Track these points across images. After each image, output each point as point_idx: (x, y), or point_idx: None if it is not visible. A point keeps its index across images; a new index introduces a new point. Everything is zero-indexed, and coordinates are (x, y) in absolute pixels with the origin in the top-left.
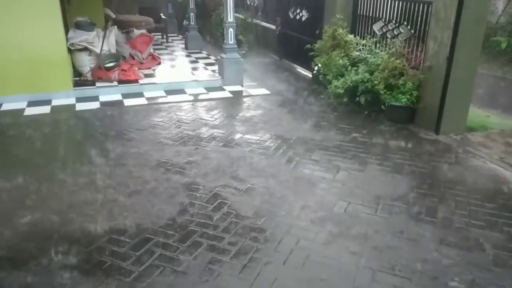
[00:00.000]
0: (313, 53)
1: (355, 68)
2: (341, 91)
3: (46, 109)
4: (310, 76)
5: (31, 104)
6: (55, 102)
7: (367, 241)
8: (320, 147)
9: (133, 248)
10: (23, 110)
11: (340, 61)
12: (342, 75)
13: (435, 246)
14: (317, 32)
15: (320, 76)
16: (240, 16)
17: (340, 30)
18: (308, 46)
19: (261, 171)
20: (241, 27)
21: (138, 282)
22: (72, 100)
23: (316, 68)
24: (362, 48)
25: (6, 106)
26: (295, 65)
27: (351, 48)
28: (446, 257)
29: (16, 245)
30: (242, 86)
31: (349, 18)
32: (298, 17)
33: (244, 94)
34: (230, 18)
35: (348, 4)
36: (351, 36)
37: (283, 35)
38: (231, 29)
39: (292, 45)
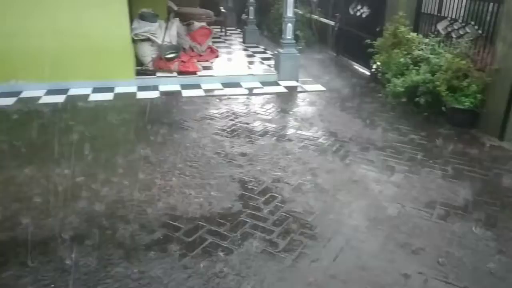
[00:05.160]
0: (372, 50)
1: (417, 67)
2: (401, 89)
3: (109, 96)
4: (368, 74)
5: (95, 90)
6: (117, 90)
7: (420, 247)
8: (375, 147)
9: (185, 233)
10: (88, 95)
11: (401, 59)
12: (402, 74)
13: (493, 256)
14: (377, 29)
15: (379, 74)
16: (299, 11)
17: (402, 28)
18: (368, 41)
19: (313, 168)
20: (299, 22)
21: (187, 268)
22: (133, 89)
23: (374, 66)
24: (425, 47)
25: (73, 91)
26: (353, 62)
27: (413, 47)
28: (505, 269)
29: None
30: (297, 81)
31: (412, 16)
32: (358, 13)
33: (299, 89)
34: (290, 13)
35: (411, 2)
36: (414, 34)
37: (341, 31)
38: (289, 24)
39: (351, 42)
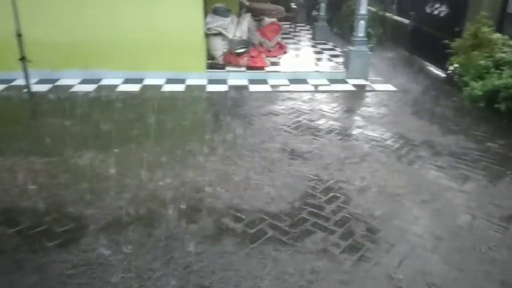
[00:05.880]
0: (449, 51)
1: (498, 71)
2: (479, 93)
3: (181, 87)
4: (443, 75)
5: (168, 81)
6: (189, 82)
7: (493, 264)
8: (447, 153)
9: (247, 225)
10: (161, 86)
11: (481, 62)
12: (482, 78)
13: None
14: (456, 29)
15: (455, 76)
16: (372, 8)
17: (485, 29)
18: (446, 42)
19: (379, 170)
20: (372, 20)
21: (250, 257)
22: (203, 81)
23: (451, 67)
24: (509, 50)
25: (148, 81)
26: (427, 63)
27: (496, 49)
28: None
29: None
30: (366, 80)
31: (495, 17)
32: (436, 12)
33: (367, 88)
34: (363, 10)
35: (496, 1)
36: (498, 35)
37: (416, 30)
38: (362, 21)
39: (425, 41)
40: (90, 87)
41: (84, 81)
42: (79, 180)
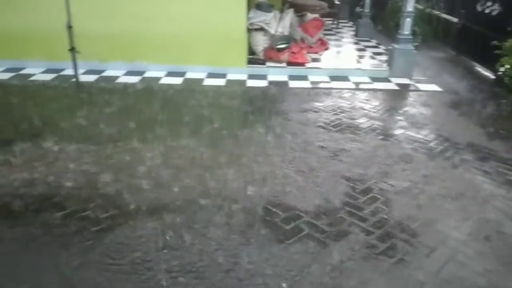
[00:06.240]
0: (500, 52)
1: None
2: None
3: (221, 82)
4: (492, 77)
5: (209, 75)
6: (229, 76)
7: None
8: (494, 157)
9: (284, 221)
10: (202, 80)
11: None
12: None
13: None
14: (508, 29)
15: (506, 78)
16: (419, 6)
17: None
18: (495, 42)
19: (421, 172)
20: (418, 17)
21: (284, 251)
22: (244, 76)
23: (501, 69)
24: None
25: (189, 75)
26: (475, 63)
27: None
28: None
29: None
30: (410, 79)
31: None
32: (487, 10)
33: (411, 88)
34: (410, 7)
35: None
36: None
37: (465, 29)
38: (408, 19)
39: (474, 41)
40: (134, 79)
41: (128, 73)
42: (125, 168)
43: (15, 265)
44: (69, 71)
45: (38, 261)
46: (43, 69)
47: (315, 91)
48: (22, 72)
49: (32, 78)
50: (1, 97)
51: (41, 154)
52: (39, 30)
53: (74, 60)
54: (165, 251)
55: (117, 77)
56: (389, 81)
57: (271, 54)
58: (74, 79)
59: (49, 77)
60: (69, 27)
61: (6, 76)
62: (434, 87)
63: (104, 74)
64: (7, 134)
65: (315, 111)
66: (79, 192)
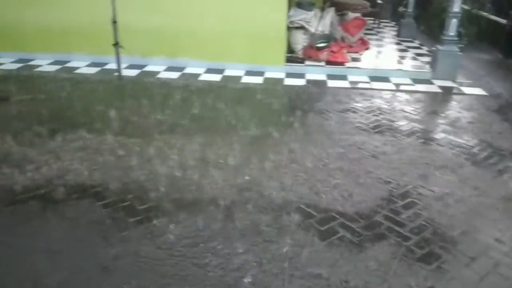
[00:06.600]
0: None
1: None
2: None
3: (259, 80)
4: None
5: (247, 73)
6: (267, 75)
7: None
8: None
9: (318, 222)
10: (240, 77)
11: None
12: None
13: None
14: None
15: None
16: (465, 6)
17: None
18: None
19: (464, 178)
20: (464, 18)
21: (318, 254)
22: (282, 75)
23: None
24: None
25: (228, 72)
26: None
27: None
28: None
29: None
30: (454, 82)
31: None
32: None
33: (455, 91)
34: (456, 7)
35: None
36: None
37: None
38: (454, 20)
39: None
40: (174, 75)
41: (169, 69)
42: (165, 161)
43: (54, 252)
44: (112, 65)
45: (77, 248)
46: (87, 63)
47: (354, 91)
48: (67, 65)
49: (77, 71)
50: (48, 89)
51: (84, 144)
52: (85, 25)
53: (117, 55)
54: (201, 245)
55: (157, 72)
56: (431, 83)
57: (310, 53)
58: (117, 73)
59: (93, 70)
60: (114, 22)
61: (53, 68)
62: (478, 91)
63: (145, 69)
64: (53, 124)
65: (354, 112)
66: (119, 183)
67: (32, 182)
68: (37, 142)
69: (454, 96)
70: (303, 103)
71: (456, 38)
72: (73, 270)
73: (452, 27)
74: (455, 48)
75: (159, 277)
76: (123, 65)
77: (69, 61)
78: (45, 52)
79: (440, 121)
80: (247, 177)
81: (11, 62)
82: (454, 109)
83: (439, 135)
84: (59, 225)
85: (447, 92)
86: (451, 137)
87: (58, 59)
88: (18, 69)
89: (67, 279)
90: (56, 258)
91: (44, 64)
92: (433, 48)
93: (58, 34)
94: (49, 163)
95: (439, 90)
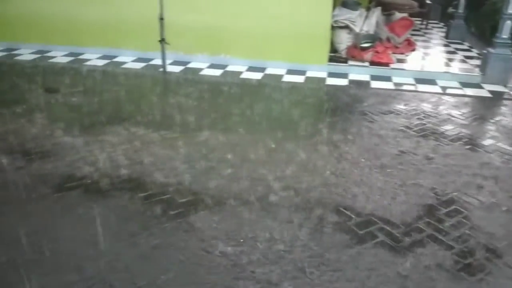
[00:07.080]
0: None
1: None
2: None
3: (300, 79)
4: None
5: (289, 72)
6: (309, 74)
7: None
8: None
9: (357, 225)
10: (282, 76)
11: None
12: None
13: None
14: None
15: None
16: None
17: None
18: None
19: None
20: None
21: (356, 256)
22: (324, 74)
23: None
24: None
25: (269, 70)
26: None
27: None
28: None
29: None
30: (506, 87)
31: None
32: None
33: (506, 96)
34: (511, 9)
35: None
36: None
37: None
38: (508, 22)
39: None
40: (217, 72)
41: (211, 66)
42: (205, 156)
43: (95, 240)
44: (157, 61)
45: (117, 237)
46: (133, 58)
47: (398, 93)
48: (115, 59)
49: (123, 66)
50: (97, 83)
51: (128, 137)
52: (133, 21)
53: (163, 51)
54: (241, 240)
55: (201, 69)
56: (481, 87)
57: (354, 53)
58: (161, 69)
59: (139, 65)
60: (161, 19)
61: (102, 62)
62: None
63: (189, 65)
64: (100, 117)
65: (397, 114)
66: (161, 176)
67: (79, 171)
68: (85, 133)
69: (505, 102)
70: (345, 103)
71: (509, 41)
72: (112, 258)
73: (506, 29)
74: (508, 51)
75: (196, 270)
76: (168, 61)
77: (117, 56)
78: (95, 46)
79: (489, 127)
80: (284, 176)
81: (63, 56)
82: (504, 115)
83: (487, 142)
84: (100, 213)
85: (498, 97)
86: (500, 144)
87: (106, 54)
88: (69, 62)
89: (106, 266)
90: (95, 247)
91: (94, 58)
92: (484, 51)
93: (108, 30)
94: (95, 154)
95: (488, 95)
